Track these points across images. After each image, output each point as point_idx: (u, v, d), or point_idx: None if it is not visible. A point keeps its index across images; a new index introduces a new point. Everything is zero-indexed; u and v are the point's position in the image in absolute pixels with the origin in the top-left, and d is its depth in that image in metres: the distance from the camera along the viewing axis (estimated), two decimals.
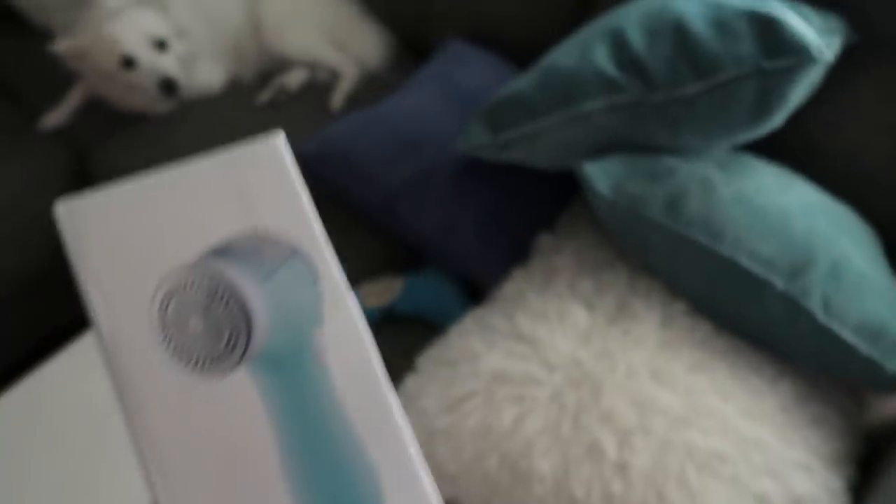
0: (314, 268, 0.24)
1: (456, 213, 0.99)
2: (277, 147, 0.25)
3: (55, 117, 1.34)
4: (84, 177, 1.32)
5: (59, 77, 1.32)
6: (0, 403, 1.00)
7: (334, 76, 1.40)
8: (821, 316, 0.75)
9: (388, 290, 0.99)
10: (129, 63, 1.20)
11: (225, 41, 1.40)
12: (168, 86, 1.22)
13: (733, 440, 0.72)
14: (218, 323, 0.23)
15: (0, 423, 0.98)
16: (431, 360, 0.86)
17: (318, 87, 1.39)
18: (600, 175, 0.82)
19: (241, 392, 0.23)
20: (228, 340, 0.23)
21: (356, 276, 1.06)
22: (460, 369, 0.81)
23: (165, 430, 0.22)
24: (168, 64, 1.22)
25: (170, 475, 0.22)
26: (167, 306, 0.23)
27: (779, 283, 0.76)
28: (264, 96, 1.36)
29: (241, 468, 0.22)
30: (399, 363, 0.96)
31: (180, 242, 0.24)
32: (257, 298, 0.23)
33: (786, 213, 0.80)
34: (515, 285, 0.90)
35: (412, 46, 1.44)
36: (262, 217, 0.25)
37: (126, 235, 0.24)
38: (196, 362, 0.23)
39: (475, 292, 1.01)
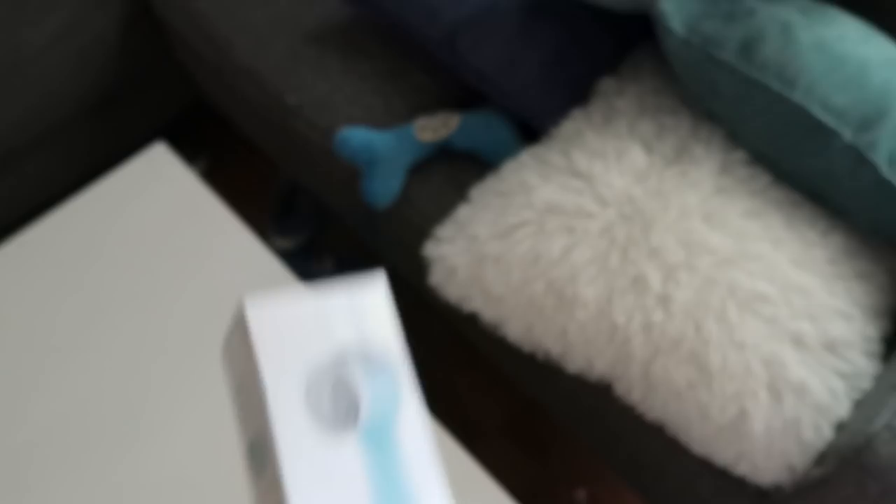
0: (398, 376, 0.34)
1: (519, 51, 0.97)
2: (380, 292, 0.36)
3: None
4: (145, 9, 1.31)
5: None
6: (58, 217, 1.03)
7: None
8: (885, 169, 0.74)
9: (445, 125, 0.99)
10: None
11: None
12: None
13: (778, 284, 0.74)
14: (339, 404, 0.33)
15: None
16: (485, 191, 0.87)
17: None
18: (675, 11, 0.79)
19: (352, 454, 0.32)
20: (345, 417, 0.33)
21: (411, 110, 1.07)
22: (513, 199, 0.82)
23: (304, 471, 0.31)
24: None
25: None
26: (311, 389, 0.33)
27: (847, 133, 0.74)
28: None
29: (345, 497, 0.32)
30: (452, 196, 0.98)
31: (319, 344, 0.34)
32: (364, 390, 0.33)
33: (864, 64, 0.77)
34: (574, 124, 0.89)
35: None
36: (369, 333, 0.35)
37: (287, 334, 0.34)
38: (326, 426, 0.32)
39: (532, 135, 1.01)
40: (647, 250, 0.75)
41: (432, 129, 0.99)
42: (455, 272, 0.82)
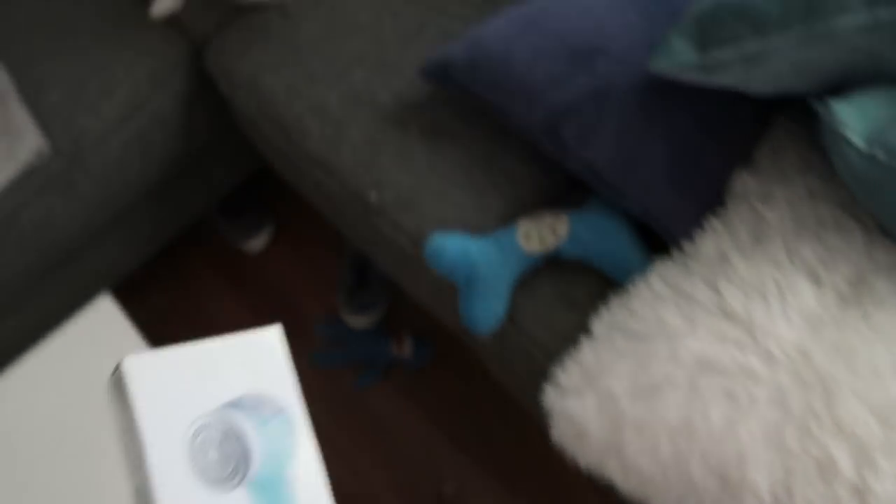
0: (292, 421, 0.34)
1: (638, 141, 0.83)
2: (273, 338, 0.36)
3: (165, 4, 1.22)
4: (201, 74, 1.22)
5: None
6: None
7: None
8: None
9: (553, 231, 0.86)
10: None
11: None
12: None
13: None
14: (229, 454, 0.33)
15: None
16: (613, 327, 0.74)
17: None
18: (855, 118, 0.64)
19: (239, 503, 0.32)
20: (234, 467, 0.33)
21: (508, 206, 0.94)
22: (653, 347, 0.69)
23: None
24: None
25: None
26: (196, 440, 0.33)
27: None
28: None
29: None
30: (566, 317, 0.85)
31: (208, 394, 0.34)
32: (255, 439, 0.33)
33: None
34: (715, 242, 0.75)
35: None
36: (263, 382, 0.35)
37: (170, 386, 0.33)
38: (212, 481, 0.32)
39: (648, 233, 0.87)
40: (833, 424, 0.61)
41: (538, 236, 0.87)
42: (586, 434, 0.70)
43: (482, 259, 0.86)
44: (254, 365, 0.35)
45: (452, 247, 0.87)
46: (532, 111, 0.90)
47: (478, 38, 0.93)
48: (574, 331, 0.79)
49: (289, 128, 1.06)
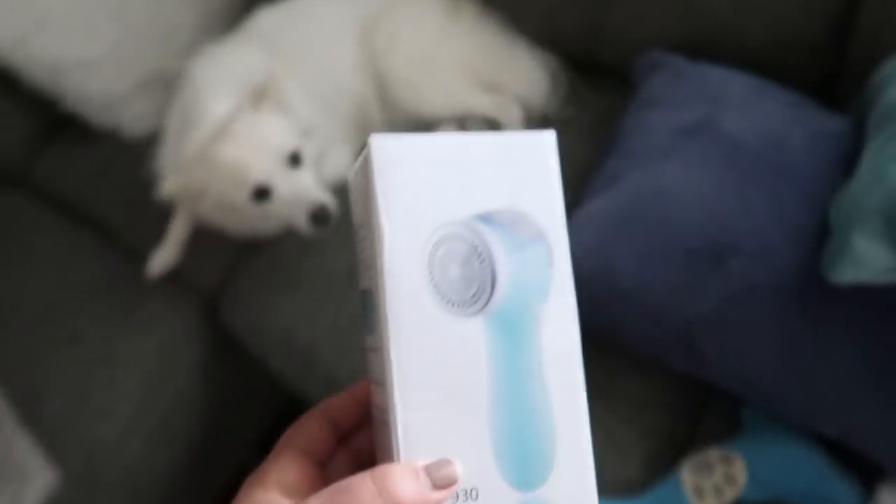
0: (552, 253, 0.29)
1: (813, 350, 0.68)
2: (549, 142, 0.30)
3: (162, 259, 1.05)
4: (216, 331, 1.04)
5: (146, 196, 1.02)
6: None
7: (493, 125, 1.08)
8: None
9: (728, 479, 0.70)
10: (262, 193, 0.89)
11: (348, 119, 1.08)
12: (320, 216, 0.90)
13: None
14: (471, 275, 0.28)
15: None
16: None
17: None
18: None
19: (475, 335, 0.28)
20: (476, 292, 0.28)
21: (644, 444, 0.77)
22: None
23: (414, 343, 0.27)
24: (310, 184, 0.91)
25: (407, 380, 0.27)
26: (437, 252, 0.28)
27: None
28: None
29: (459, 391, 0.28)
30: None
31: (458, 200, 0.28)
32: (505, 265, 0.28)
33: None
34: None
35: (577, 65, 1.10)
36: (524, 197, 0.29)
37: (419, 182, 0.28)
38: (448, 301, 0.28)
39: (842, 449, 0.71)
40: None
41: (713, 490, 0.70)
42: None
43: None
44: (518, 174, 0.29)
45: None
46: (656, 326, 0.74)
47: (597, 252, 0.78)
48: None
49: (331, 376, 0.90)
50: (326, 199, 0.90)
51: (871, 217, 0.58)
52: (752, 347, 0.70)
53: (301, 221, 0.89)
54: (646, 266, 0.73)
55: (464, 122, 1.09)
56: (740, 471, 0.70)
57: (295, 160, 0.90)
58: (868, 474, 0.68)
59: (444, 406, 0.28)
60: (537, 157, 0.29)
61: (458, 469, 0.27)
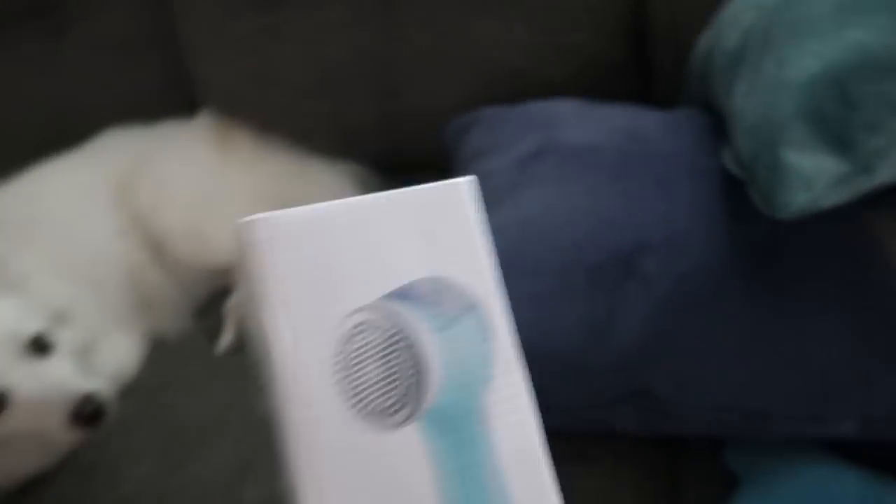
0: (488, 324, 0.23)
1: (785, 339, 0.51)
2: (465, 190, 0.24)
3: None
4: None
5: None
6: None
7: None
8: None
9: None
10: None
11: (122, 297, 0.85)
12: (87, 413, 0.64)
13: None
14: (395, 372, 0.22)
15: None
16: None
17: None
18: None
19: (409, 448, 0.22)
20: (404, 394, 0.22)
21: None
22: None
23: (328, 465, 0.21)
24: (65, 373, 0.66)
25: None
26: (347, 345, 0.22)
27: None
28: (224, 340, 0.82)
29: None
30: None
31: (366, 280, 0.23)
32: (433, 349, 0.22)
33: None
34: None
35: (385, 167, 0.97)
36: (444, 262, 0.23)
37: (314, 261, 0.23)
38: (368, 411, 0.22)
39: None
40: None
41: None
42: None
43: None
44: (434, 235, 0.23)
45: None
46: (586, 383, 0.54)
47: None
48: None
49: None
50: (93, 386, 0.65)
51: (793, 126, 0.45)
52: (710, 358, 0.52)
53: (56, 428, 0.62)
54: (545, 308, 0.55)
55: None
56: None
57: (40, 347, 0.65)
58: None
59: None
60: (453, 210, 0.24)
61: None
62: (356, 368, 0.22)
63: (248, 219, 0.23)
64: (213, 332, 0.84)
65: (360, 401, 0.22)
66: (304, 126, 0.96)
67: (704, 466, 0.58)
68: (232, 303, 0.85)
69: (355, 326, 0.22)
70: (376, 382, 0.22)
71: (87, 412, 0.63)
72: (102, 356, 0.78)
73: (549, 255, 0.56)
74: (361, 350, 0.22)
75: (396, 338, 0.22)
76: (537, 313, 0.54)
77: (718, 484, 0.55)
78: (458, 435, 0.22)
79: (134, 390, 0.80)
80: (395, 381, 0.22)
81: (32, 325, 0.66)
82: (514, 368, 0.23)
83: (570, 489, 0.58)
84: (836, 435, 0.50)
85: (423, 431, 0.22)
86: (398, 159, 0.96)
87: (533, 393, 0.23)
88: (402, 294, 0.23)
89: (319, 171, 0.94)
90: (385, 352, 0.22)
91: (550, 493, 0.23)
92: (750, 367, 0.50)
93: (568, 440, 0.60)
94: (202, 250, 0.87)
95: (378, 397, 0.22)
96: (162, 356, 0.84)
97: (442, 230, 0.23)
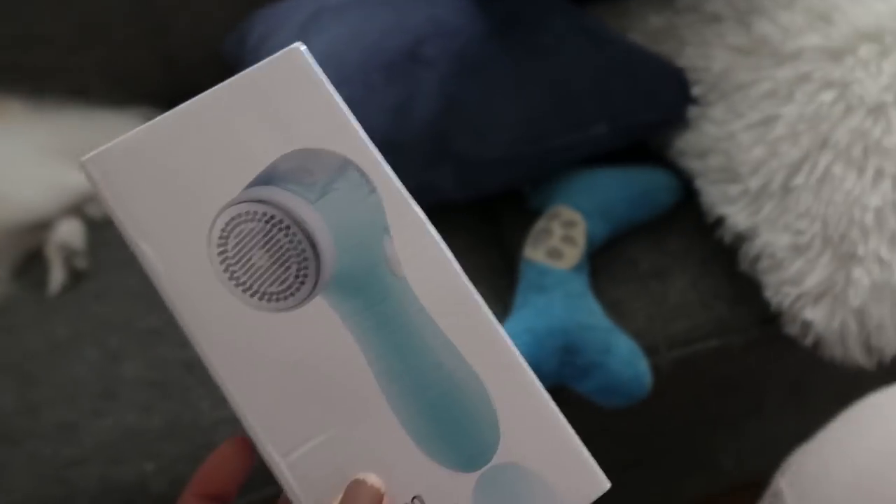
0: (367, 177, 0.22)
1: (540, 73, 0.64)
2: (298, 56, 0.23)
3: None
4: None
5: None
6: None
7: None
8: None
9: (569, 224, 0.60)
10: None
11: None
12: None
13: None
14: (283, 254, 0.21)
15: None
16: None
17: None
18: None
19: (320, 319, 0.21)
20: (298, 272, 0.21)
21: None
22: None
23: (250, 366, 0.21)
24: None
25: (259, 406, 0.21)
26: (225, 244, 0.21)
27: None
28: (54, 283, 0.81)
29: (335, 391, 0.21)
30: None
31: (222, 177, 0.22)
32: (316, 220, 0.21)
33: None
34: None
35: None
36: (301, 134, 0.22)
37: (163, 178, 0.22)
38: (268, 298, 0.21)
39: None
40: None
41: (563, 241, 0.60)
42: None
43: (556, 323, 0.55)
44: (284, 109, 0.22)
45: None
46: (400, 157, 0.64)
47: None
48: None
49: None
50: None
51: None
52: (493, 108, 0.64)
53: None
54: (357, 108, 0.64)
55: (82, 207, 0.89)
56: (568, 212, 0.62)
57: None
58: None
59: (330, 424, 0.21)
60: (295, 76, 0.23)
61: (375, 480, 0.21)
62: (243, 262, 0.21)
63: (83, 158, 0.23)
64: (40, 283, 0.82)
65: (257, 291, 0.21)
66: (78, 81, 0.96)
67: (519, 215, 0.70)
68: (53, 244, 0.84)
69: (228, 223, 0.22)
70: (267, 269, 0.21)
71: None
72: None
73: (348, 70, 0.65)
74: (242, 243, 0.22)
75: (274, 221, 0.22)
76: (355, 112, 0.64)
77: (529, 222, 0.68)
78: (369, 292, 0.22)
79: None
80: (287, 262, 0.21)
81: None
82: (406, 210, 0.22)
83: None
84: (596, 139, 0.65)
85: (330, 300, 0.21)
86: (184, 94, 0.99)
87: (432, 228, 0.23)
88: (266, 178, 0.22)
89: (105, 117, 0.95)
90: (266, 238, 0.22)
91: (491, 325, 0.22)
92: (523, 104, 0.64)
93: None
94: (7, 211, 0.84)
95: (273, 282, 0.21)
96: None
97: (289, 103, 0.23)
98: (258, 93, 0.23)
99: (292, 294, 0.21)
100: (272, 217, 0.22)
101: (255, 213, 0.22)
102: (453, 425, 0.21)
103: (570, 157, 0.66)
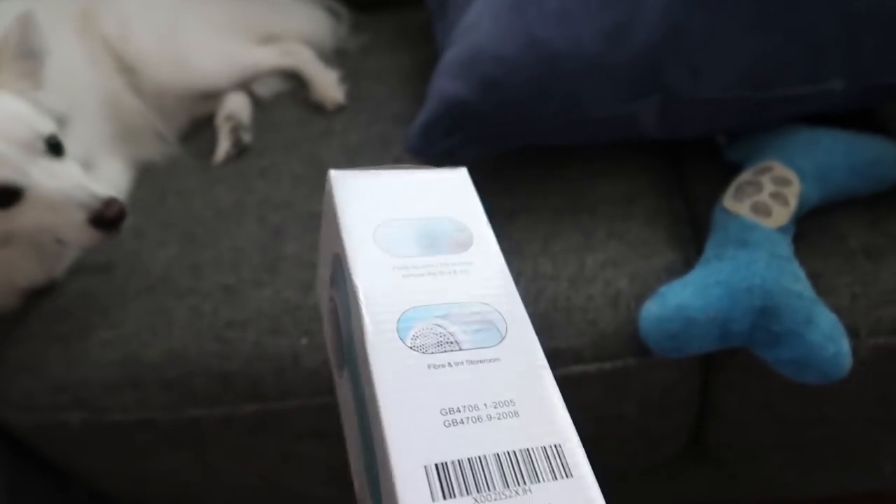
0: (348, 271, 0.27)
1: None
2: (329, 183, 0.29)
3: None
4: None
5: None
6: None
7: (287, 78, 0.91)
8: None
9: (781, 182, 0.55)
10: (8, 196, 0.60)
11: (105, 122, 0.82)
12: (110, 215, 0.62)
13: None
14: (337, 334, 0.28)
15: None
16: None
17: (285, 99, 0.88)
18: None
19: (346, 386, 0.28)
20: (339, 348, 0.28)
21: (646, 232, 0.61)
22: None
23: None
24: (83, 176, 0.64)
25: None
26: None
27: None
28: (220, 152, 0.82)
29: (353, 437, 0.27)
30: None
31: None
32: (341, 309, 0.28)
33: None
34: None
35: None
36: (335, 239, 0.28)
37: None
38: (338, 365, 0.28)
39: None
40: None
41: (773, 198, 0.55)
42: None
43: (758, 282, 0.51)
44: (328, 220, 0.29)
45: (694, 299, 0.51)
46: (613, 76, 0.60)
47: (480, 64, 0.62)
48: None
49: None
50: (114, 191, 0.64)
51: None
52: (719, 44, 0.59)
53: (76, 228, 0.61)
54: (571, 20, 0.60)
55: (250, 85, 0.90)
56: (782, 169, 0.57)
57: (54, 148, 0.63)
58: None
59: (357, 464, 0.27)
60: (329, 198, 0.29)
61: None
62: (331, 335, 0.29)
63: (333, 172, 0.29)
64: (205, 151, 0.84)
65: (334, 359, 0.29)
66: None
67: (705, 165, 0.66)
68: (222, 114, 0.85)
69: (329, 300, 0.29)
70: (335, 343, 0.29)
71: (110, 214, 0.62)
72: (102, 180, 0.76)
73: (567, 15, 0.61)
74: (333, 318, 0.29)
75: (332, 310, 0.29)
76: (565, 26, 0.60)
77: (719, 177, 0.63)
78: (353, 369, 0.27)
79: (134, 205, 0.79)
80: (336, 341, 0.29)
81: (48, 126, 0.63)
82: (356, 296, 0.26)
83: (601, 193, 0.64)
84: (828, 96, 0.59)
85: (347, 373, 0.27)
86: None
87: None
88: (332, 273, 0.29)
89: (288, 3, 0.95)
90: (333, 320, 0.29)
91: (374, 385, 0.24)
92: (756, 44, 0.58)
93: (593, 159, 0.67)
94: (181, 75, 0.86)
95: (335, 354, 0.29)
96: (156, 175, 0.83)
97: (329, 216, 0.29)
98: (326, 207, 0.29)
99: (338, 367, 0.28)
100: (334, 307, 0.29)
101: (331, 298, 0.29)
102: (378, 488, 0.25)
103: (790, 111, 0.60)
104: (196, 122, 0.90)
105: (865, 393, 0.57)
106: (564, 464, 0.24)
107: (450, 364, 0.25)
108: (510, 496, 0.23)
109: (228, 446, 0.65)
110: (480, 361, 0.26)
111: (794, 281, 0.51)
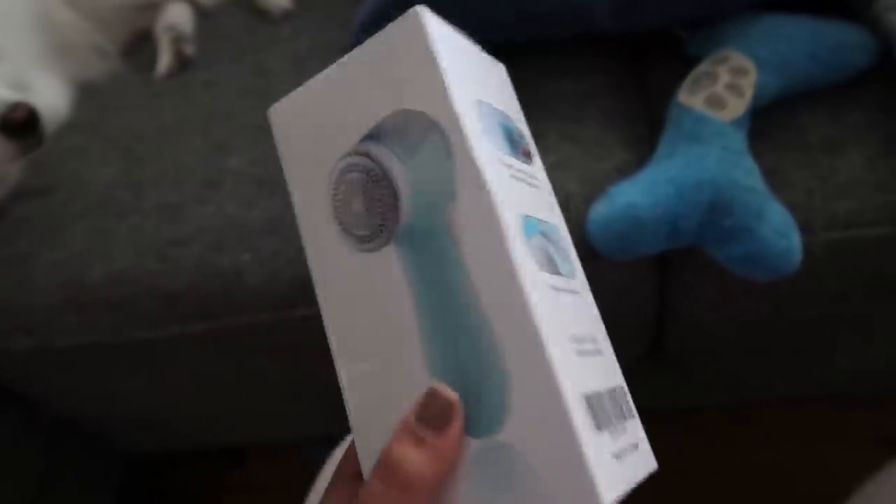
0: (448, 141, 0.23)
1: None
2: (415, 20, 0.24)
3: None
4: None
5: None
6: None
7: None
8: None
9: (738, 72, 0.52)
10: None
11: (38, 37, 0.78)
12: (17, 118, 0.60)
13: None
14: (374, 204, 0.24)
15: None
16: None
17: (229, 6, 0.83)
18: None
19: (388, 264, 0.24)
20: (382, 221, 0.24)
21: (601, 130, 0.59)
22: None
23: (338, 292, 0.25)
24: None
25: (338, 324, 0.25)
26: (337, 189, 0.25)
27: None
28: (161, 66, 0.78)
29: (387, 327, 0.24)
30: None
31: (349, 130, 0.25)
32: (403, 177, 0.24)
33: None
34: None
35: None
36: (407, 93, 0.24)
37: (313, 130, 0.26)
38: (357, 239, 0.25)
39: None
40: None
41: (728, 89, 0.52)
42: None
43: (707, 176, 0.49)
44: (398, 70, 0.24)
45: (653, 197, 0.49)
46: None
47: None
48: None
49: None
50: (30, 101, 0.60)
51: None
52: None
53: None
54: None
55: None
56: (739, 58, 0.54)
57: None
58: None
59: (377, 356, 0.24)
60: (410, 40, 0.24)
61: (450, 391, 0.22)
62: (346, 206, 0.25)
63: (270, 110, 0.27)
64: (148, 66, 0.80)
65: (350, 232, 0.25)
66: None
67: (668, 64, 0.62)
68: (162, 24, 0.80)
69: (341, 171, 0.25)
70: (361, 215, 0.24)
71: (17, 118, 0.59)
72: (37, 96, 0.72)
73: None
74: (347, 190, 0.25)
75: (372, 174, 0.24)
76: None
77: (682, 75, 0.60)
78: (428, 250, 0.23)
79: (74, 124, 0.76)
80: (375, 211, 0.24)
81: None
82: (476, 184, 0.23)
83: (556, 91, 0.61)
84: None
85: (398, 250, 0.24)
86: None
87: (503, 210, 0.22)
88: (375, 133, 0.25)
89: None
90: (364, 188, 0.24)
91: (527, 312, 0.22)
92: None
93: (549, 58, 0.64)
94: None
95: (363, 227, 0.24)
96: (96, 93, 0.79)
97: (403, 63, 0.24)
98: (382, 55, 0.25)
99: (373, 240, 0.24)
100: (371, 170, 0.24)
101: (359, 164, 0.24)
102: (470, 392, 0.22)
103: None
104: (139, 34, 0.85)
105: (821, 289, 0.56)
106: (630, 405, 0.25)
107: (558, 288, 0.23)
108: (620, 433, 0.23)
109: (182, 367, 0.65)
110: (572, 292, 0.24)
111: (747, 175, 0.49)
